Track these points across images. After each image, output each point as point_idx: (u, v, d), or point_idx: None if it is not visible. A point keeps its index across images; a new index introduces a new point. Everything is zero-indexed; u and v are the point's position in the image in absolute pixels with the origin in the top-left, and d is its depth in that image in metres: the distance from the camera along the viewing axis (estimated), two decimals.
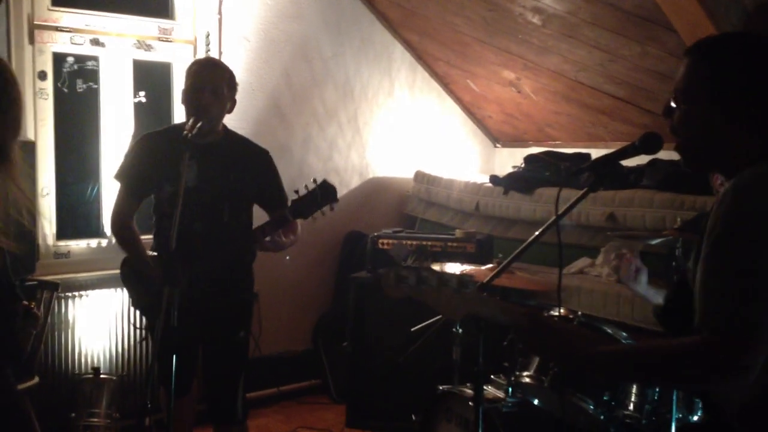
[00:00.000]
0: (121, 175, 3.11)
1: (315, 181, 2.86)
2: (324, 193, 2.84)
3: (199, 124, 2.78)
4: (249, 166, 3.07)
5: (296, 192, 2.85)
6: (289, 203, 2.91)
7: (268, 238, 2.89)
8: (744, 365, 1.35)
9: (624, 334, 2.71)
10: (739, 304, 1.36)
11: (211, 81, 2.96)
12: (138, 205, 3.13)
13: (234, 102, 3.09)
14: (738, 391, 1.45)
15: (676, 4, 3.47)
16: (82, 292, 3.97)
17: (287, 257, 4.38)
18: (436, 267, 3.28)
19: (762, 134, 1.54)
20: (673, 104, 1.63)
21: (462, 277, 1.53)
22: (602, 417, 2.58)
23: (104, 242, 4.19)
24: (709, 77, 1.55)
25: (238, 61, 4.55)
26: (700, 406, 2.48)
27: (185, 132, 2.71)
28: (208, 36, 4.46)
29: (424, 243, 4.12)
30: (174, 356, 2.59)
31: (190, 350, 3.09)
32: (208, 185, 2.96)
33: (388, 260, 4.14)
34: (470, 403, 2.77)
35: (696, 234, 2.82)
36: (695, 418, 2.55)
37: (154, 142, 3.10)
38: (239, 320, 3.15)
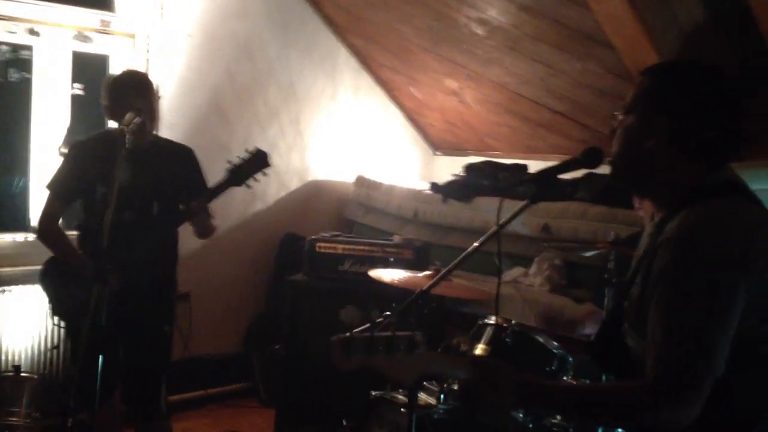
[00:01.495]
0: (52, 184, 3.15)
1: (247, 150, 2.97)
2: (258, 159, 2.95)
3: (136, 119, 2.78)
4: (174, 165, 3.17)
5: (228, 162, 2.94)
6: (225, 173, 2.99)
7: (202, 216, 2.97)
8: (695, 409, 1.39)
9: (555, 343, 2.75)
10: (693, 352, 1.39)
11: (146, 107, 3.00)
12: (66, 208, 3.20)
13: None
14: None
15: (616, 23, 3.56)
16: (6, 287, 3.83)
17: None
18: (372, 273, 3.28)
19: (701, 165, 1.55)
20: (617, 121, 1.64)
21: (411, 338, 1.51)
22: (531, 425, 2.61)
23: (30, 237, 4.05)
24: (659, 91, 1.58)
25: (180, 57, 4.47)
26: None
27: (126, 126, 2.75)
28: (148, 30, 4.36)
29: (362, 248, 4.11)
30: (101, 357, 2.52)
31: (115, 350, 3.04)
32: (140, 184, 3.01)
33: (326, 265, 4.13)
34: (402, 409, 2.77)
35: (629, 248, 2.90)
36: (619, 430, 2.60)
37: (86, 148, 3.16)
38: (163, 315, 3.18)
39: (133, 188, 2.97)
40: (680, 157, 1.55)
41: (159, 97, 3.16)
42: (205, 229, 3.11)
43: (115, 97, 3.02)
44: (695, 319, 1.40)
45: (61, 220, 3.21)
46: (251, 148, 3.00)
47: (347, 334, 1.47)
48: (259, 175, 2.99)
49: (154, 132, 3.16)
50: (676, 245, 1.44)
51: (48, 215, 3.13)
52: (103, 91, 3.10)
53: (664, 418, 1.41)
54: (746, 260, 1.41)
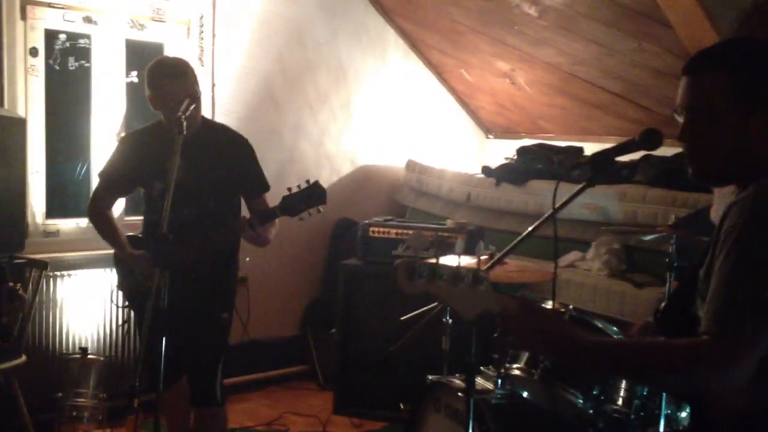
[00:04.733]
0: (103, 173, 3.18)
1: (308, 181, 2.90)
2: (314, 193, 2.88)
3: (192, 106, 2.81)
4: (228, 155, 3.10)
5: (288, 189, 2.88)
6: (280, 198, 2.91)
7: (253, 232, 2.91)
8: (746, 370, 1.35)
9: (614, 328, 2.72)
10: (752, 311, 1.35)
11: (185, 90, 2.93)
12: (115, 200, 3.26)
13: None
14: (731, 397, 1.43)
15: (673, 0, 3.47)
16: (71, 272, 3.95)
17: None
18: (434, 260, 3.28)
19: None
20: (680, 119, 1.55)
21: (476, 273, 1.49)
22: (591, 411, 2.59)
23: None
24: (733, 89, 1.47)
25: (232, 44, 4.52)
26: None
27: (180, 113, 2.74)
28: (201, 18, 4.42)
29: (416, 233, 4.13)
30: (164, 339, 2.58)
31: (179, 333, 3.08)
32: (193, 176, 2.98)
33: (379, 250, 4.15)
34: (460, 394, 2.78)
35: (690, 232, 2.84)
36: (683, 414, 2.56)
37: (137, 143, 3.15)
38: (223, 302, 3.17)
39: (187, 181, 2.93)
40: (758, 144, 1.49)
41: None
42: (255, 243, 3.05)
43: (153, 86, 2.97)
44: (758, 280, 1.37)
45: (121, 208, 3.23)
46: (312, 179, 2.91)
47: (412, 258, 1.46)
48: (313, 210, 2.91)
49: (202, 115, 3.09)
50: (746, 207, 1.40)
51: (95, 202, 3.19)
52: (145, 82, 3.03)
53: (715, 377, 1.36)
54: None
